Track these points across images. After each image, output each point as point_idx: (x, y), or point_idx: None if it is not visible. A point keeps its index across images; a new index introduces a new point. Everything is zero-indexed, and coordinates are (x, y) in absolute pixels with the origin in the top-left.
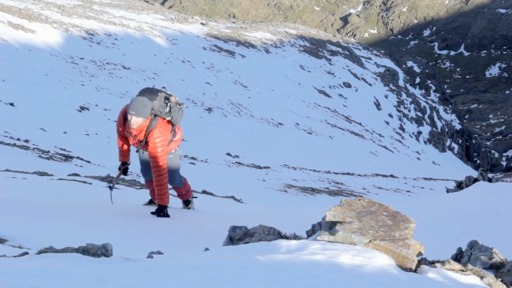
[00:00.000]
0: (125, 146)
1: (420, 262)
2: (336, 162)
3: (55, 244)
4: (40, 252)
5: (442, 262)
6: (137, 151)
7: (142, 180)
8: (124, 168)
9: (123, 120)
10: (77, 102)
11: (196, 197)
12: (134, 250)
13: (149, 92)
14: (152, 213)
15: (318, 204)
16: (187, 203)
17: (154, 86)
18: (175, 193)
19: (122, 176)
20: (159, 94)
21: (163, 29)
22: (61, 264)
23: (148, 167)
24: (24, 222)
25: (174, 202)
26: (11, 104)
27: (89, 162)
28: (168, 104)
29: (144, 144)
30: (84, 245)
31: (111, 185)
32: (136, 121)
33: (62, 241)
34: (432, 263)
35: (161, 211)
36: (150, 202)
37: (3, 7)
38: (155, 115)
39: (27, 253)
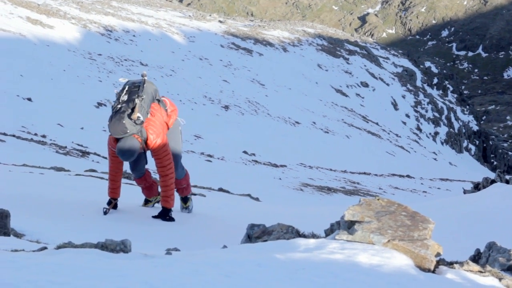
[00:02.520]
0: (118, 176)
1: (438, 263)
2: (352, 162)
3: (72, 239)
4: (59, 247)
5: (461, 263)
6: None
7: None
8: (114, 203)
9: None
10: (95, 98)
11: (195, 195)
12: (151, 246)
13: (119, 130)
14: (154, 217)
15: (334, 203)
16: (185, 200)
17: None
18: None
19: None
20: (124, 120)
21: (181, 27)
22: (80, 259)
23: (138, 161)
24: (41, 217)
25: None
26: (29, 99)
27: (105, 158)
28: (135, 120)
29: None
30: (102, 240)
31: (105, 213)
32: (132, 159)
33: (79, 236)
34: (450, 264)
35: (166, 215)
36: (146, 202)
37: (22, 2)
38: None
39: (46, 248)
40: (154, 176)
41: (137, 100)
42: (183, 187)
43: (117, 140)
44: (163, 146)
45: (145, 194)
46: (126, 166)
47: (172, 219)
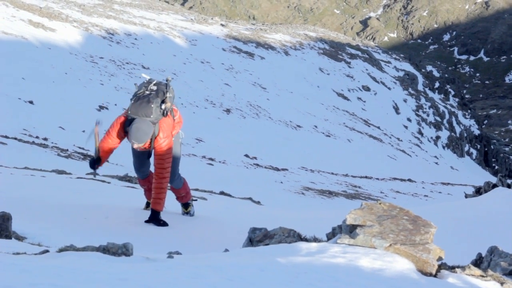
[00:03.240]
0: (110, 147)
1: (440, 267)
2: (354, 166)
3: (74, 243)
4: (60, 250)
5: (462, 268)
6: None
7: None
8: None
9: (123, 132)
10: (96, 101)
11: (196, 200)
12: (153, 249)
13: (142, 111)
14: (147, 221)
15: (335, 207)
16: (186, 206)
17: (146, 80)
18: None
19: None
20: (153, 105)
21: (183, 30)
22: (82, 262)
23: (144, 160)
24: (43, 220)
25: (175, 207)
26: (31, 102)
27: (107, 161)
28: (165, 110)
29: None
30: (104, 244)
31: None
32: (139, 146)
33: (80, 239)
34: (452, 268)
35: (156, 218)
36: (148, 205)
37: (24, 5)
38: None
39: (47, 251)
40: None
41: (168, 94)
42: (182, 196)
43: (125, 124)
44: (168, 148)
45: (148, 196)
46: (128, 169)
47: (165, 224)
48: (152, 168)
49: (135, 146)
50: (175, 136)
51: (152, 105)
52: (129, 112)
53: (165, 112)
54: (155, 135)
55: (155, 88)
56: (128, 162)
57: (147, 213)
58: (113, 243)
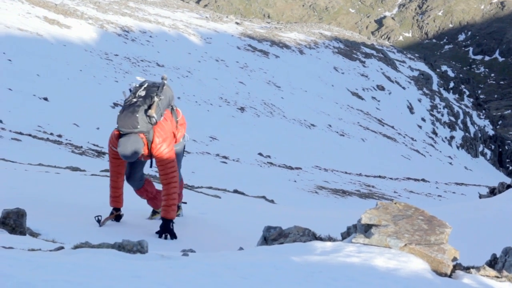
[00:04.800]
0: (120, 182)
1: (455, 268)
2: (367, 165)
3: (88, 240)
4: (76, 247)
5: (477, 268)
6: None
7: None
8: (117, 215)
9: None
10: (111, 99)
11: (185, 203)
12: (167, 247)
13: (128, 123)
14: (158, 233)
15: (349, 207)
16: (154, 213)
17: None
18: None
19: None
20: (137, 114)
21: (198, 28)
22: (97, 259)
23: (135, 167)
24: (57, 217)
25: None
26: (45, 99)
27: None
28: (152, 114)
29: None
30: (119, 241)
31: (99, 220)
32: (133, 160)
33: (95, 236)
34: (467, 269)
35: (168, 227)
36: (154, 213)
37: (40, 2)
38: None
39: (62, 247)
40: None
41: (156, 98)
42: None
43: (119, 137)
44: (168, 152)
45: (152, 205)
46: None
47: (174, 236)
48: (148, 171)
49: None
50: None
51: (137, 115)
52: (117, 125)
53: (153, 120)
54: (150, 141)
55: (143, 93)
56: None
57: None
58: (128, 240)
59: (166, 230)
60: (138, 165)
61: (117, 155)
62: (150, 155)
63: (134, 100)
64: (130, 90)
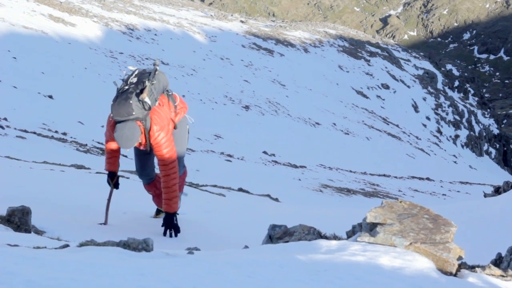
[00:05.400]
0: (116, 153)
1: (460, 266)
2: (372, 164)
3: (94, 237)
4: (81, 245)
5: (483, 267)
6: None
7: None
8: (115, 182)
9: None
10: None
11: (186, 195)
12: (172, 245)
13: (123, 110)
14: (163, 226)
15: (353, 205)
16: (158, 212)
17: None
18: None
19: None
20: (131, 100)
21: (203, 26)
22: (102, 257)
23: (146, 162)
24: (62, 214)
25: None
26: (50, 97)
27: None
28: (145, 97)
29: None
30: (124, 239)
31: (106, 206)
32: (130, 147)
33: (100, 234)
34: (472, 268)
35: (172, 221)
36: (158, 213)
37: (45, 0)
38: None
39: (68, 245)
40: None
41: (147, 83)
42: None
43: (115, 126)
44: (166, 141)
45: (156, 202)
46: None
47: (178, 230)
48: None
49: (126, 149)
50: (181, 120)
51: (131, 101)
52: (112, 114)
53: (146, 105)
54: (148, 129)
55: (135, 80)
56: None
57: None
58: (134, 238)
59: (170, 225)
60: (147, 159)
61: (110, 133)
62: (149, 144)
63: (126, 87)
64: (122, 80)
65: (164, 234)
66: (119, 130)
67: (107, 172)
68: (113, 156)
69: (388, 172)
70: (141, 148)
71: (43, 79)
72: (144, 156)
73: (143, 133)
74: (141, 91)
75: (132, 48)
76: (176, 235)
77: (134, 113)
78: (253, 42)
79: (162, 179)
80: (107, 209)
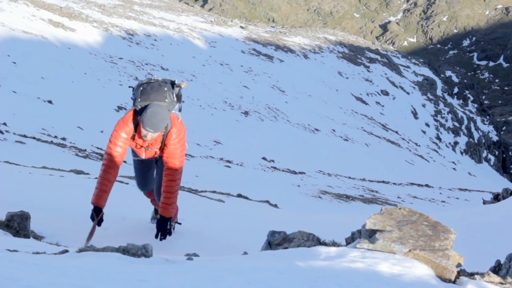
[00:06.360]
0: (112, 177)
1: (459, 273)
2: (371, 170)
3: (93, 243)
4: (80, 250)
5: (482, 274)
6: (135, 153)
7: None
8: (99, 218)
9: (132, 130)
10: (115, 102)
11: (180, 224)
12: (171, 251)
13: (155, 94)
14: (157, 232)
15: (352, 212)
16: (157, 212)
17: (149, 74)
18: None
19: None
20: (165, 88)
21: (203, 32)
22: (102, 263)
23: (148, 177)
24: (61, 220)
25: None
26: (49, 102)
27: (125, 162)
28: (178, 95)
29: (159, 150)
30: (123, 245)
31: (87, 241)
32: (153, 136)
33: (99, 240)
34: (471, 275)
35: (165, 226)
36: (157, 212)
37: (44, 5)
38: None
39: (67, 251)
40: None
41: (182, 85)
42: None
43: (135, 116)
44: (180, 147)
45: (156, 204)
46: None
47: (169, 233)
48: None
49: (149, 137)
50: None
51: (165, 88)
52: (139, 99)
53: (179, 97)
54: (165, 134)
55: (160, 79)
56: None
57: None
58: (133, 244)
59: (164, 229)
60: (150, 173)
61: (121, 141)
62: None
63: (153, 81)
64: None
65: (156, 237)
66: (153, 107)
67: (92, 207)
68: (106, 190)
69: (387, 179)
70: (151, 149)
71: (43, 84)
72: (147, 171)
73: (161, 133)
74: (172, 85)
75: (132, 54)
76: (165, 238)
77: (166, 100)
78: (252, 48)
79: (167, 183)
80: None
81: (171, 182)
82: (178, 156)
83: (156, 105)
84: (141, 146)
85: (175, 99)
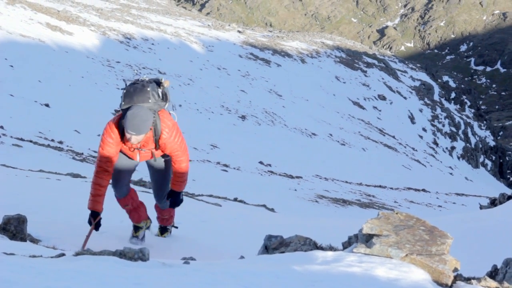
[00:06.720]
0: (105, 182)
1: (456, 278)
2: (368, 175)
3: (90, 246)
4: (77, 254)
5: (478, 279)
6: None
7: None
8: (97, 222)
9: (118, 134)
10: (112, 105)
11: (177, 227)
12: (168, 255)
13: (137, 96)
14: (170, 202)
15: (349, 216)
16: (163, 230)
17: (136, 75)
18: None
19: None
20: (148, 89)
21: (200, 36)
22: (98, 266)
23: (126, 175)
24: (57, 223)
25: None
26: (47, 105)
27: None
28: (164, 94)
29: (155, 149)
30: (120, 248)
31: (83, 245)
32: (138, 139)
33: (95, 243)
34: (468, 280)
35: (178, 199)
36: (137, 230)
37: (42, 8)
38: (155, 111)
39: (64, 254)
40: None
41: (163, 81)
42: (165, 218)
43: (120, 119)
44: (182, 142)
45: (133, 218)
46: (142, 174)
47: (181, 201)
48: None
49: (133, 140)
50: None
51: (148, 89)
52: (123, 103)
53: (164, 96)
54: (158, 136)
55: (147, 79)
56: (142, 166)
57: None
58: (130, 248)
59: (175, 203)
60: (129, 171)
61: (108, 146)
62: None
63: (138, 81)
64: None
65: (172, 205)
66: (133, 109)
67: (89, 211)
68: (100, 194)
69: (384, 183)
70: (145, 150)
71: (40, 87)
72: (128, 170)
73: (152, 133)
74: (158, 84)
75: (129, 57)
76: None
77: (150, 100)
78: (250, 52)
79: (181, 164)
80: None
81: (185, 162)
82: (179, 148)
83: (136, 107)
84: (134, 149)
85: (160, 98)
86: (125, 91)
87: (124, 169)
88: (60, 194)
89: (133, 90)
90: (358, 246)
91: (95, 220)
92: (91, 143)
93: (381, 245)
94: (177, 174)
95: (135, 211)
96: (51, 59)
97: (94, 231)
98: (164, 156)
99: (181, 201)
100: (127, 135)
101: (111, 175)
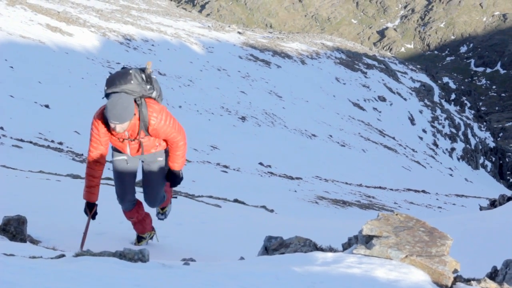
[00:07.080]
0: (98, 172)
1: (455, 279)
2: (368, 176)
3: (89, 247)
4: (77, 255)
5: (478, 280)
6: (117, 152)
7: None
8: (93, 213)
9: (106, 126)
10: None
11: (176, 197)
12: (167, 256)
13: (119, 78)
14: (171, 182)
15: (349, 217)
16: (140, 239)
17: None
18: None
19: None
20: (131, 71)
21: (200, 37)
22: (98, 267)
23: (129, 185)
24: (57, 224)
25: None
26: (47, 106)
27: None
28: (147, 76)
29: (147, 136)
30: (120, 249)
31: (82, 237)
32: (123, 127)
33: (95, 244)
34: (467, 281)
35: (177, 178)
36: (140, 240)
37: (42, 9)
38: (140, 97)
39: (64, 255)
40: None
41: (149, 71)
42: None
43: (102, 116)
44: (173, 124)
45: (138, 229)
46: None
47: (181, 179)
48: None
49: (118, 129)
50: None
51: (131, 71)
52: (106, 87)
53: (148, 78)
54: (146, 119)
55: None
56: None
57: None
58: (130, 249)
59: (174, 181)
60: (131, 181)
61: (96, 136)
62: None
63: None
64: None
65: (172, 186)
66: (112, 97)
67: (85, 202)
68: (93, 185)
69: (384, 185)
70: (134, 140)
71: (40, 88)
72: (128, 175)
73: (138, 120)
74: (142, 70)
75: (129, 58)
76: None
77: (132, 82)
78: (250, 54)
79: (181, 148)
80: (82, 242)
81: (183, 146)
82: (173, 130)
83: (115, 95)
84: (124, 139)
85: (144, 81)
86: (108, 77)
87: (125, 176)
88: (60, 195)
89: (116, 74)
90: (358, 247)
91: (91, 211)
92: None
93: (381, 246)
94: (176, 153)
95: (140, 223)
96: (51, 60)
97: (91, 220)
98: (157, 154)
99: (181, 179)
100: (111, 125)
101: (103, 166)
